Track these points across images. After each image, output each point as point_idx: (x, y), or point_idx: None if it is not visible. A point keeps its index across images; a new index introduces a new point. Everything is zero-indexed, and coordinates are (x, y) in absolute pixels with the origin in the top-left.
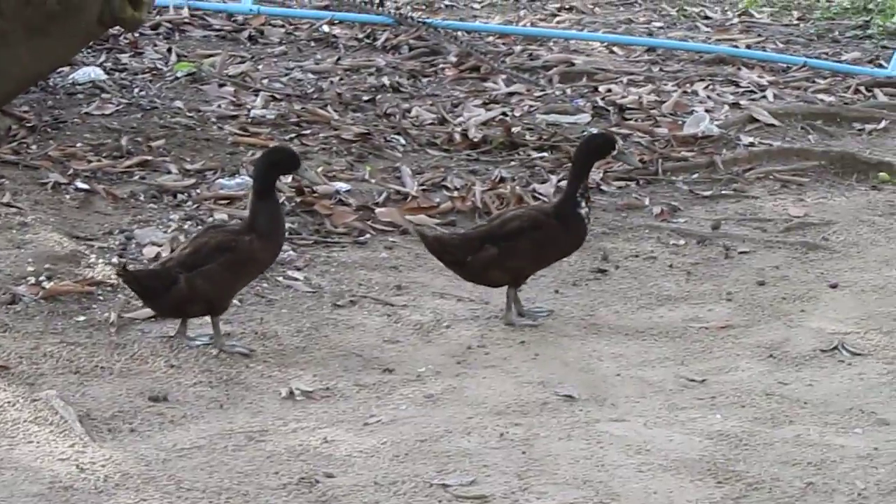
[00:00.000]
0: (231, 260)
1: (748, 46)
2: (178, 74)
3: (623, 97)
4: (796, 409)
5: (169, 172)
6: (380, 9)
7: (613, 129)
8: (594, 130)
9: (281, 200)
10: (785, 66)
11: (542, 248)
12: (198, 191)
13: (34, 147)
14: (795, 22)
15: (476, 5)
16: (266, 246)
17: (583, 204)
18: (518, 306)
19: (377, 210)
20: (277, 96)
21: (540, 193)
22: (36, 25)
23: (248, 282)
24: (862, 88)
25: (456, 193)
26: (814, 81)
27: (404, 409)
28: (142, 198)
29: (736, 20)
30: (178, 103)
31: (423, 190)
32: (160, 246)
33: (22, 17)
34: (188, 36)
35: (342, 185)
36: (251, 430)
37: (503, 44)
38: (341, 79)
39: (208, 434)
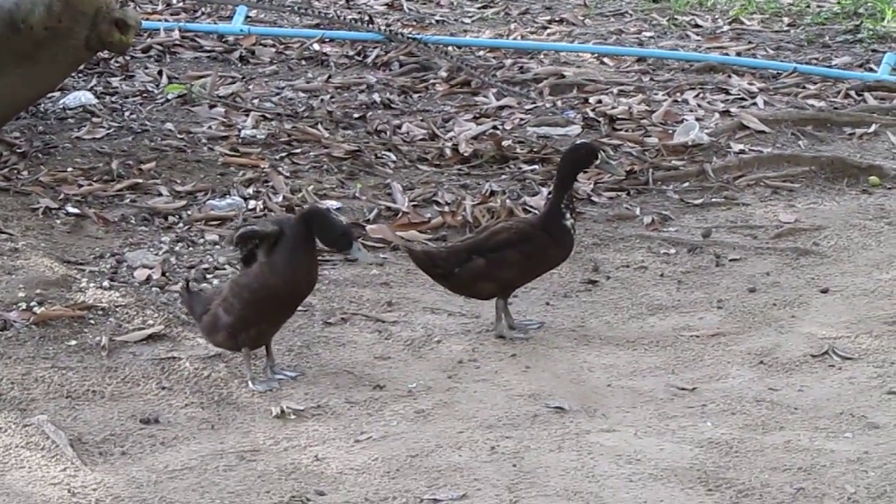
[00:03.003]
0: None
1: (738, 54)
2: (169, 96)
3: (613, 108)
4: (786, 414)
5: (160, 195)
6: (370, 26)
7: (604, 139)
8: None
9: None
10: (775, 72)
11: (530, 259)
12: (189, 212)
13: (25, 173)
14: (786, 28)
15: (466, 20)
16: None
17: (568, 215)
18: (509, 319)
19: (368, 227)
20: (268, 116)
21: (531, 206)
22: (24, 52)
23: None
24: (852, 93)
25: (447, 208)
26: (804, 87)
27: (395, 425)
28: (133, 221)
29: (726, 28)
30: (169, 125)
31: (414, 206)
32: (151, 268)
33: (10, 44)
34: (179, 58)
35: (333, 203)
36: (242, 449)
37: (494, 58)
38: (332, 97)
39: (200, 455)
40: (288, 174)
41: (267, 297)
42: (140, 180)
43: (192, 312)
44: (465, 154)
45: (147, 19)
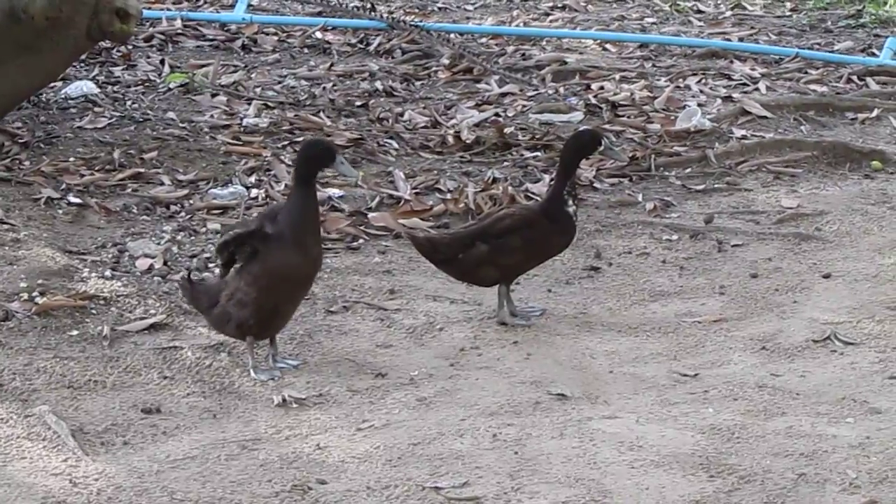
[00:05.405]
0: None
1: (741, 39)
2: (171, 85)
3: (615, 94)
4: (788, 400)
5: (162, 184)
6: (372, 13)
7: (606, 126)
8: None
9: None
10: (777, 57)
11: (532, 245)
12: (191, 201)
13: (27, 163)
14: (788, 13)
15: (469, 7)
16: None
17: (570, 202)
18: (511, 306)
19: (370, 215)
20: (270, 104)
21: (533, 193)
22: (25, 42)
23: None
24: (854, 78)
25: (449, 196)
26: (806, 72)
27: (397, 413)
28: (135, 210)
29: (729, 13)
30: (171, 114)
31: (417, 193)
32: (153, 258)
33: (10, 35)
34: (181, 47)
35: (335, 191)
36: (244, 438)
37: (496, 45)
38: (334, 85)
39: (201, 444)
40: (290, 162)
41: (286, 275)
42: (142, 170)
43: (196, 304)
44: (468, 141)
45: (149, 8)
